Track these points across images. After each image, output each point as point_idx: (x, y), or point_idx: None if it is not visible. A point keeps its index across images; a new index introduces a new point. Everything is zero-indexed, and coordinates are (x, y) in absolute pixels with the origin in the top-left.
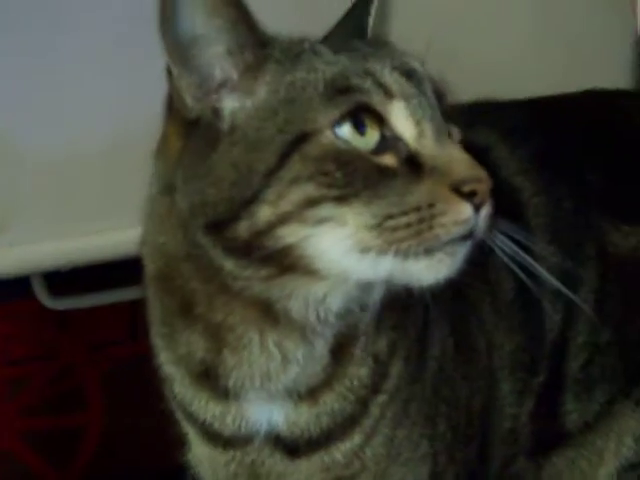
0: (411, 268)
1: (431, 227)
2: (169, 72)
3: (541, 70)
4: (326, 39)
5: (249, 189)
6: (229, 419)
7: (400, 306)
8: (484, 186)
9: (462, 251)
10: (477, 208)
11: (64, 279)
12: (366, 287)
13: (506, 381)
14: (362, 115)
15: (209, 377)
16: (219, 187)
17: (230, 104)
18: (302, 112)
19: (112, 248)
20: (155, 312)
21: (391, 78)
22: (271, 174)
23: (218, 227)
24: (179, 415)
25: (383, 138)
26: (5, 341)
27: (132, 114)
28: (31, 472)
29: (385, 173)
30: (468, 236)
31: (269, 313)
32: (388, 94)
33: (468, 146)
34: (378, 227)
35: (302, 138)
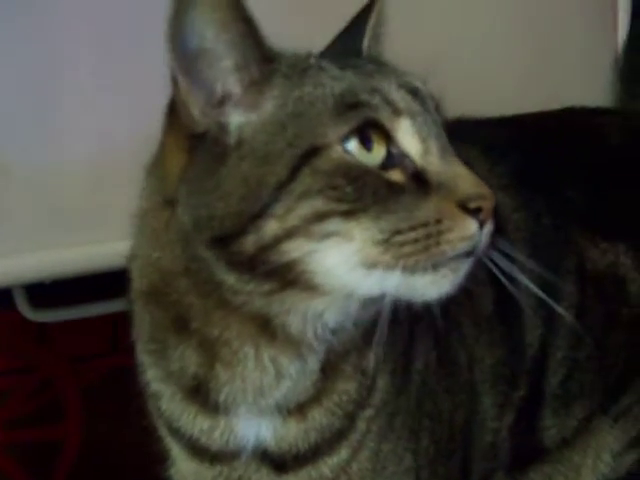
0: (415, 283)
1: (438, 243)
2: (175, 84)
3: (522, 87)
4: (323, 57)
5: (258, 203)
6: (217, 434)
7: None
8: (489, 203)
9: (465, 267)
10: (481, 224)
11: (45, 291)
12: (364, 303)
13: (487, 394)
14: (369, 131)
15: (199, 392)
16: (227, 201)
17: (236, 118)
18: (312, 126)
19: (94, 261)
20: (143, 328)
21: (398, 95)
22: (281, 187)
23: (223, 241)
24: (163, 431)
25: (389, 154)
26: None
27: (116, 127)
28: None
29: (394, 189)
30: (471, 252)
31: (267, 328)
32: (396, 111)
33: None
34: (385, 242)
35: (312, 152)
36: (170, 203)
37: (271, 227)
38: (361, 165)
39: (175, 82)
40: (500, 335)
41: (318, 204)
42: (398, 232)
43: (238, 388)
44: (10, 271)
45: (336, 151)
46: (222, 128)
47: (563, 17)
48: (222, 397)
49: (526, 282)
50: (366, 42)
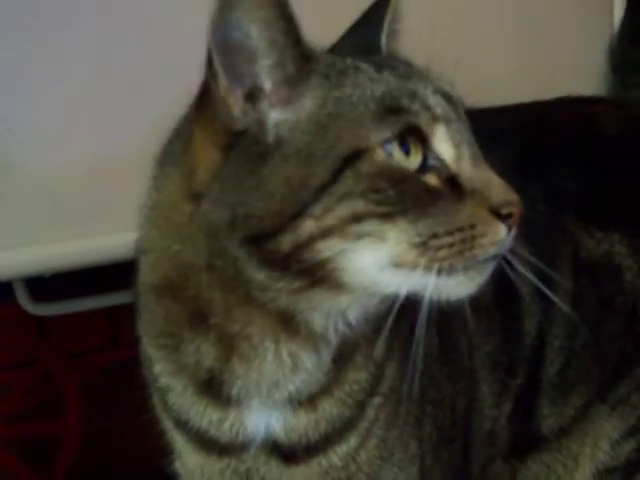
0: (444, 284)
1: (472, 247)
2: (214, 81)
3: (517, 77)
4: (334, 49)
5: (298, 203)
6: (226, 426)
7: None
8: (518, 209)
9: (490, 268)
10: (509, 229)
11: (46, 285)
12: (386, 299)
13: (485, 382)
14: (408, 136)
15: (212, 385)
16: (269, 201)
17: (274, 115)
18: (353, 129)
19: (94, 254)
20: (153, 322)
21: (435, 101)
22: (323, 189)
23: (258, 239)
24: (168, 425)
25: (425, 159)
26: None
27: (116, 121)
28: (12, 478)
29: (432, 193)
30: (497, 254)
31: (290, 324)
32: (434, 117)
33: None
34: (422, 245)
35: (355, 155)
36: (195, 197)
37: (308, 226)
38: (402, 169)
39: (214, 79)
40: (498, 323)
41: (358, 206)
42: (435, 236)
43: (253, 381)
44: (10, 264)
45: (379, 154)
46: (261, 126)
47: (557, 7)
48: (235, 390)
49: (522, 270)
50: (384, 39)
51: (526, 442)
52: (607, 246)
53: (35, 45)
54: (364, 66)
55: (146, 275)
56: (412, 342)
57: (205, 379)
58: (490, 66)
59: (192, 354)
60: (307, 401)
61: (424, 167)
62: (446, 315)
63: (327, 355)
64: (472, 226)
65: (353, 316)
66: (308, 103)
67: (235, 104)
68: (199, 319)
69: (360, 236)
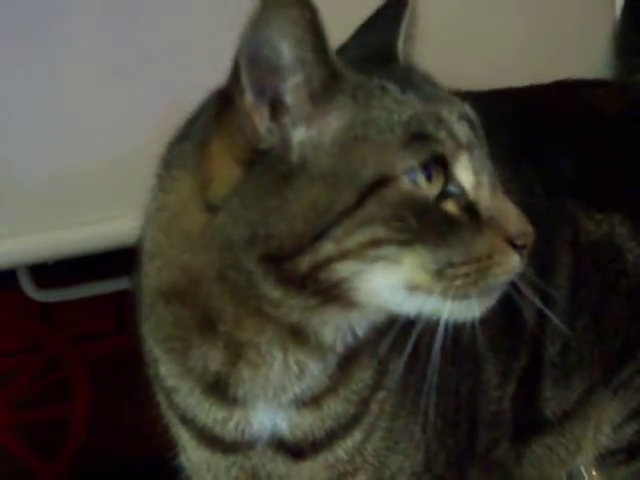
0: (455, 308)
1: (487, 276)
2: (238, 95)
3: (519, 60)
4: (343, 50)
5: (320, 226)
6: (231, 424)
7: None
8: (532, 240)
9: (500, 293)
10: (521, 258)
11: (50, 271)
12: (395, 315)
13: (489, 363)
14: (432, 163)
15: (218, 387)
16: (291, 224)
17: (298, 133)
18: (379, 154)
19: (98, 240)
20: (161, 326)
21: (459, 128)
22: (347, 213)
23: (277, 259)
24: (174, 421)
25: (445, 185)
26: None
27: (117, 115)
28: (19, 463)
29: (452, 222)
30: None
31: (299, 335)
32: (459, 146)
33: None
34: (438, 273)
35: (381, 182)
36: (210, 208)
37: (327, 248)
38: (425, 197)
39: (240, 94)
40: (500, 302)
41: (379, 232)
42: (451, 264)
43: (259, 385)
44: (14, 251)
45: (404, 182)
46: (285, 144)
47: None
48: (241, 392)
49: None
50: (401, 44)
51: (530, 426)
52: (608, 228)
53: (35, 43)
54: (390, 87)
55: (152, 279)
56: (414, 335)
57: (211, 381)
58: (493, 50)
59: (199, 358)
60: (312, 401)
61: (444, 194)
62: None
63: (333, 361)
64: (489, 256)
65: (362, 330)
66: (334, 123)
67: (261, 122)
68: (208, 326)
69: (377, 259)
